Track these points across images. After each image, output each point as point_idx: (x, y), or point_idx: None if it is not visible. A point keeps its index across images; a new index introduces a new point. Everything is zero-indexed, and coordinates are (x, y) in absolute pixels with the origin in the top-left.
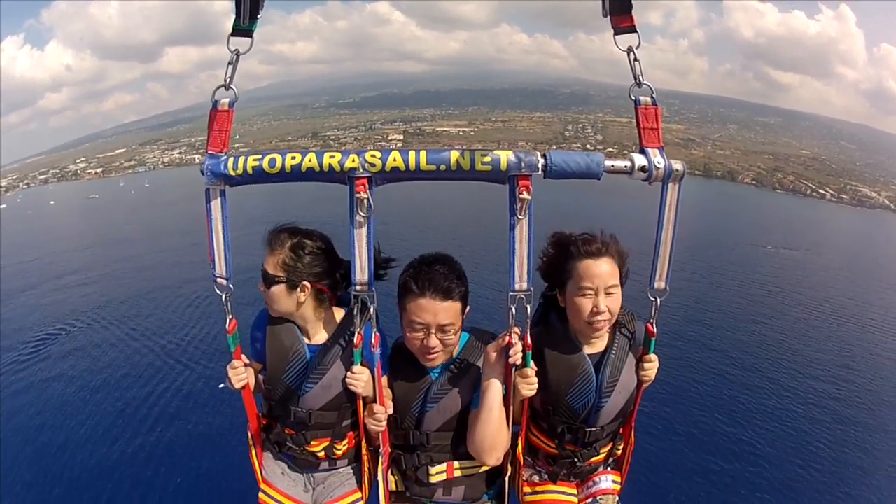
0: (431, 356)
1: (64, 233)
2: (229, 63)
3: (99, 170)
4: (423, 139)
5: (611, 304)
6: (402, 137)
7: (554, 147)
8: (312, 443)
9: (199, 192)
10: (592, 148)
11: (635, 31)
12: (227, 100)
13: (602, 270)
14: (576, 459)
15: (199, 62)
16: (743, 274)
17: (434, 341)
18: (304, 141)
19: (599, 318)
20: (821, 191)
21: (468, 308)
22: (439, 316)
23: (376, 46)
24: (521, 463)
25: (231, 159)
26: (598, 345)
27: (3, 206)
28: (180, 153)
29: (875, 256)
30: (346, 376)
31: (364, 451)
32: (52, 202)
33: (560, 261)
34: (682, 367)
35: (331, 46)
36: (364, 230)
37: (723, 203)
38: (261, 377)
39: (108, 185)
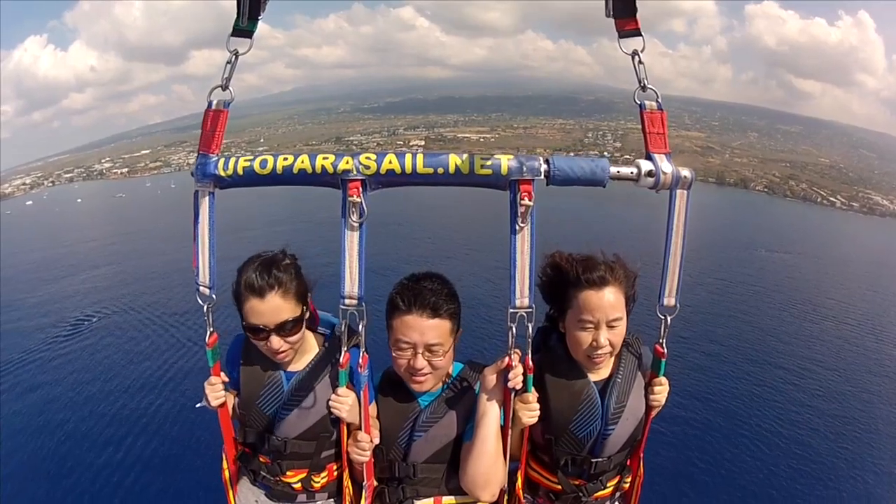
0: (419, 379)
1: (94, 228)
2: (227, 63)
3: (125, 170)
4: (443, 145)
5: (613, 337)
6: (423, 143)
7: (571, 154)
8: (288, 473)
9: (224, 195)
10: (610, 155)
11: (640, 34)
12: (222, 100)
13: (604, 302)
14: (580, 494)
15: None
16: (731, 274)
17: (421, 362)
18: (327, 145)
19: (599, 352)
20: (831, 199)
21: (460, 330)
22: (426, 334)
23: (401, 52)
24: (521, 501)
25: (222, 160)
26: (603, 370)
27: (30, 202)
28: None
29: (869, 261)
30: (326, 403)
31: (346, 483)
32: (79, 200)
33: (559, 285)
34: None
35: (356, 51)
36: (356, 236)
37: (728, 210)
38: (236, 401)
39: (135, 185)
